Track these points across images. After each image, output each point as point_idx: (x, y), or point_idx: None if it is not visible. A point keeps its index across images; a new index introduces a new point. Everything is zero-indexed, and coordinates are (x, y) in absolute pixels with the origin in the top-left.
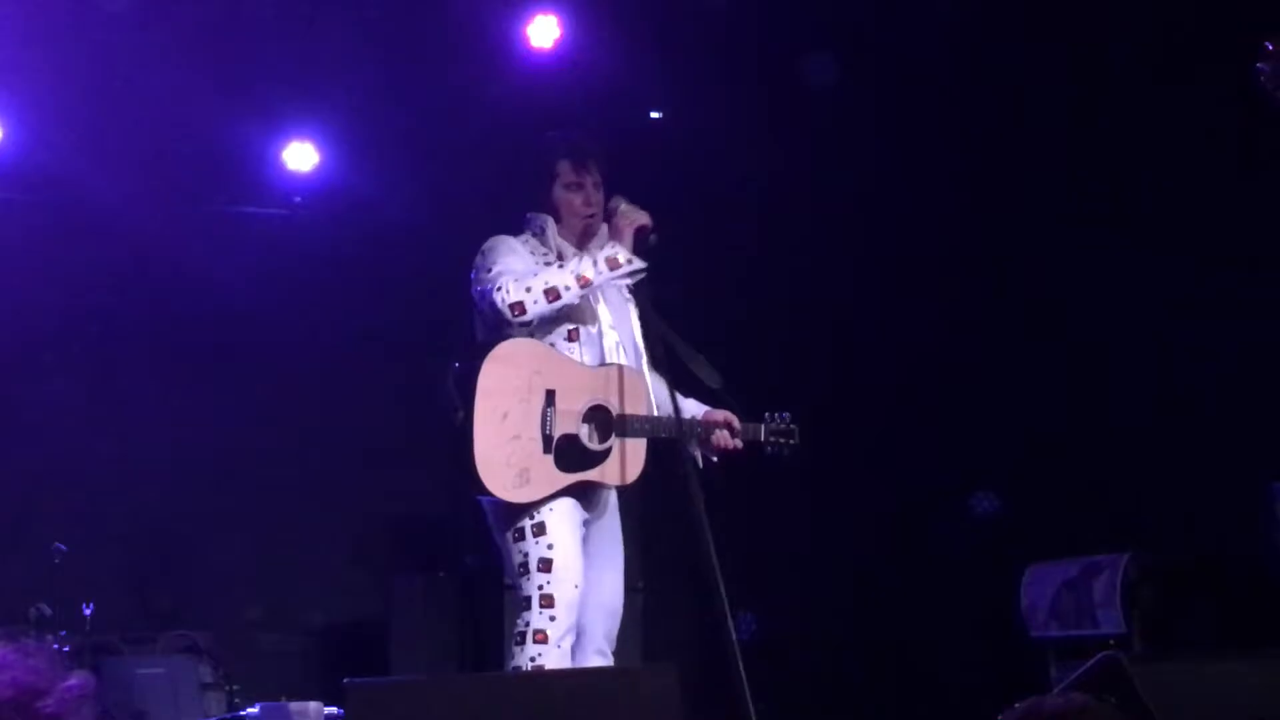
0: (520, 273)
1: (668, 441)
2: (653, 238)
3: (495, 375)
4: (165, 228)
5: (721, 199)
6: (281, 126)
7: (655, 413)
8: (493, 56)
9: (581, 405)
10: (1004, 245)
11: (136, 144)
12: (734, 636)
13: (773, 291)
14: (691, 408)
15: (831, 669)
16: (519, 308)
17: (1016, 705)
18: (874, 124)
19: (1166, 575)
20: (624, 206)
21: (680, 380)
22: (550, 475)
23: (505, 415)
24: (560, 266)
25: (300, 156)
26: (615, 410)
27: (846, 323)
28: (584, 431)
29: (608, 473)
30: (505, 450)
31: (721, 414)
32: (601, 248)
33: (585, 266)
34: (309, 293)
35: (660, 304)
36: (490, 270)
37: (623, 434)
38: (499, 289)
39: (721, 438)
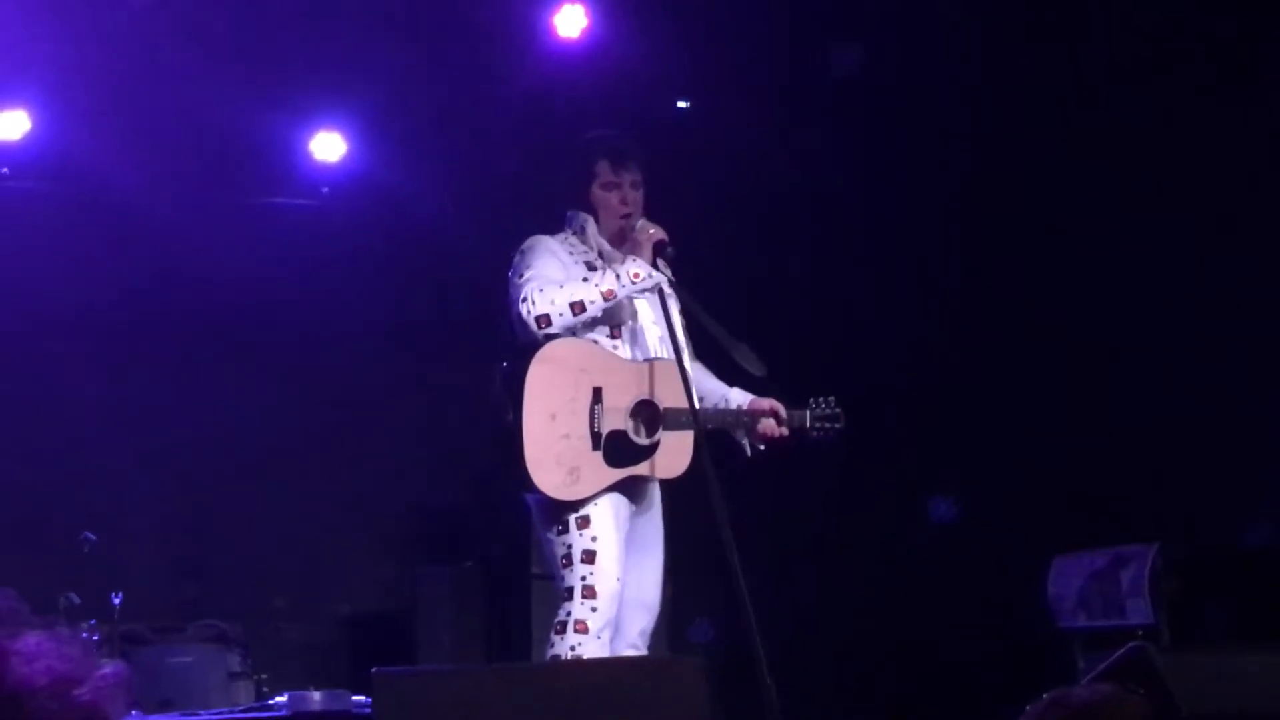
0: (550, 281)
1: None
2: (669, 251)
3: (542, 377)
4: (192, 218)
5: (748, 188)
6: (309, 116)
7: (699, 405)
8: (520, 46)
9: (628, 401)
10: (1037, 228)
11: (163, 134)
12: (755, 627)
13: (798, 281)
14: (737, 397)
15: (857, 659)
16: (544, 320)
17: (1044, 696)
18: (900, 113)
19: (1195, 566)
20: (641, 223)
21: (723, 370)
22: (600, 472)
23: (554, 416)
24: (586, 280)
25: (328, 146)
26: (661, 405)
27: (873, 308)
28: (631, 427)
29: (656, 466)
30: (555, 450)
31: (767, 402)
32: (623, 262)
33: (609, 281)
34: (337, 283)
35: (700, 294)
36: (523, 275)
37: (668, 428)
38: (525, 299)
39: (768, 426)
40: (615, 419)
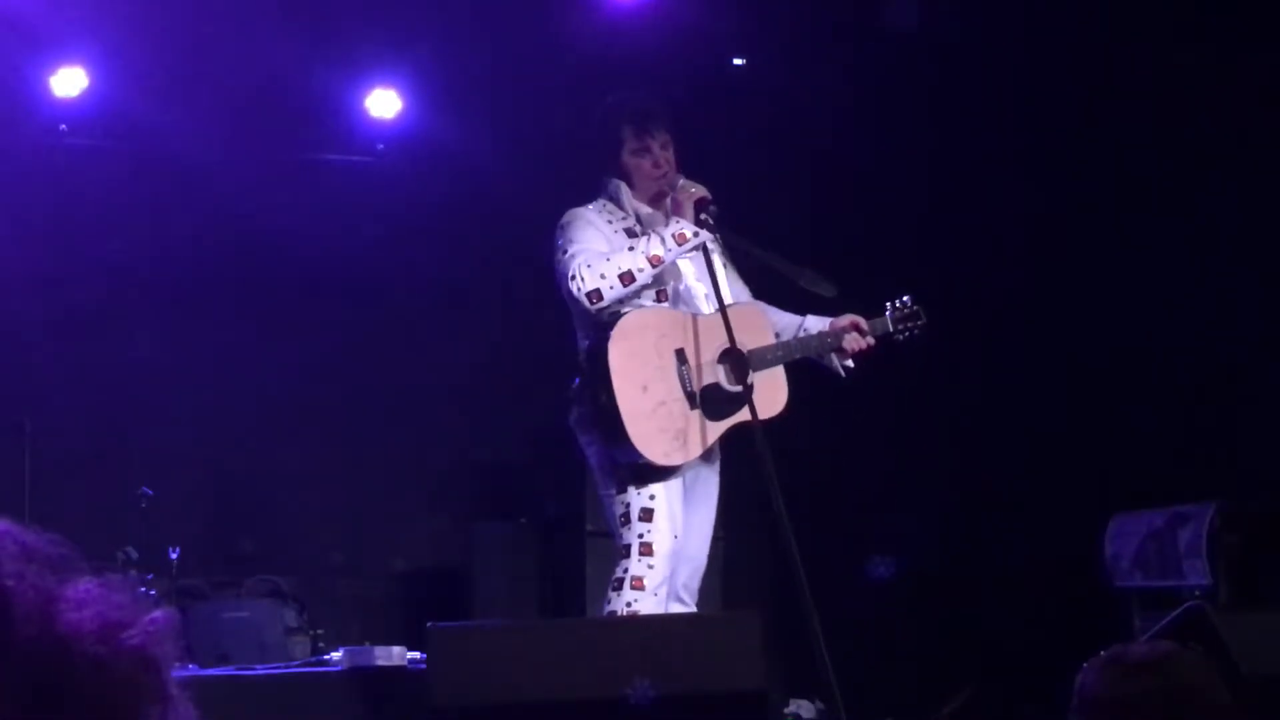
0: (595, 254)
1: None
2: (712, 208)
3: (623, 353)
4: (248, 175)
5: (802, 146)
6: (365, 73)
7: (778, 341)
8: (576, 3)
9: (712, 355)
10: (1101, 180)
11: (219, 91)
12: (806, 585)
13: (854, 241)
14: (814, 324)
15: (912, 617)
16: (596, 295)
17: (1101, 653)
18: (958, 70)
19: (1254, 525)
20: (681, 181)
21: (791, 301)
22: (704, 428)
23: (645, 388)
24: (631, 249)
25: (384, 103)
26: (745, 348)
27: (925, 273)
28: (722, 377)
29: (757, 409)
30: (656, 419)
31: (846, 318)
32: (666, 224)
33: (655, 245)
34: (392, 239)
35: (750, 231)
36: (567, 251)
37: (757, 368)
38: (573, 276)
39: (853, 341)
40: (705, 374)
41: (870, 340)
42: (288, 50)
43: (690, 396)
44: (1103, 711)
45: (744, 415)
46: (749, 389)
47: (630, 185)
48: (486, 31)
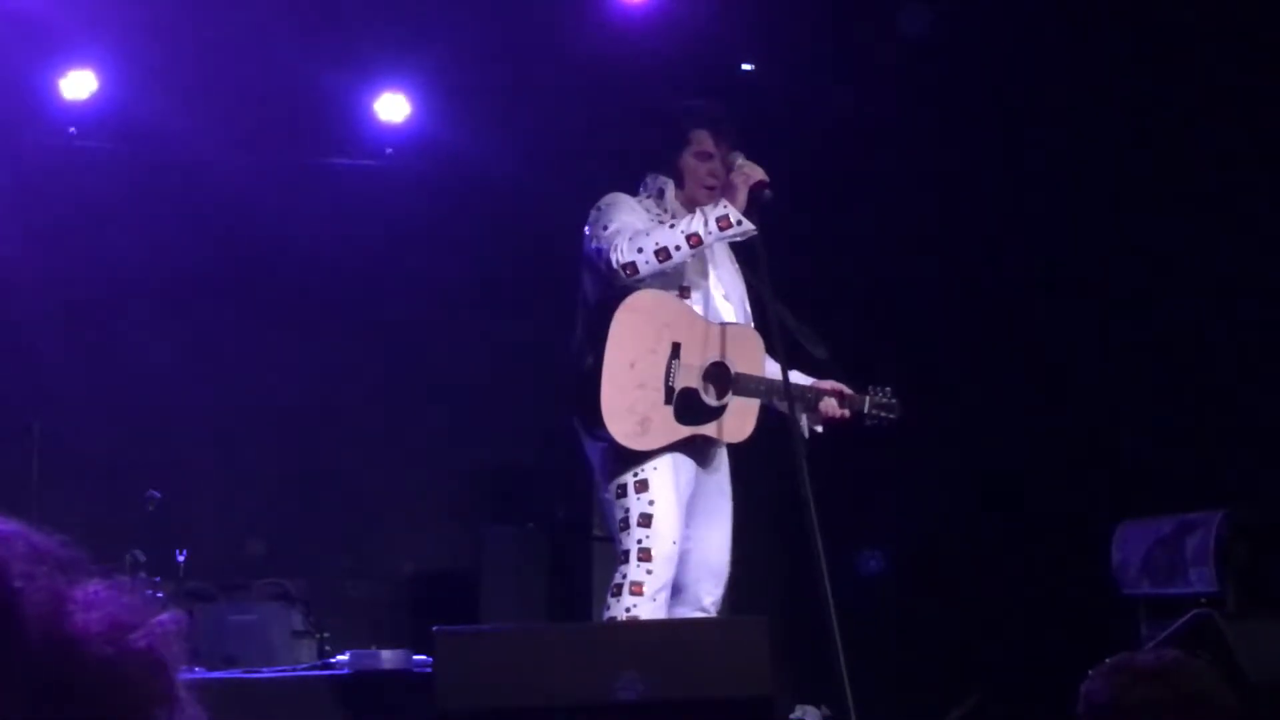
0: (636, 230)
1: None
2: (768, 194)
3: (628, 324)
4: (257, 178)
5: (811, 152)
6: (374, 77)
7: (767, 375)
8: (584, 7)
9: (703, 360)
10: (1111, 188)
11: (228, 95)
12: (829, 591)
13: (863, 248)
14: (797, 378)
15: (920, 625)
16: (631, 268)
17: (1108, 660)
18: (971, 80)
19: (1261, 533)
20: (741, 161)
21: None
22: (669, 426)
23: (633, 364)
24: (672, 226)
25: (392, 107)
26: (733, 368)
27: (933, 276)
28: (702, 386)
29: (723, 429)
30: (630, 397)
31: (830, 383)
32: (714, 206)
33: (696, 224)
34: (400, 243)
35: (769, 273)
36: (607, 228)
37: (738, 392)
38: (615, 249)
39: (830, 406)
40: (689, 376)
41: (846, 413)
42: (297, 54)
43: (669, 391)
44: (1110, 719)
45: (710, 430)
46: (722, 408)
47: (678, 185)
48: (495, 36)
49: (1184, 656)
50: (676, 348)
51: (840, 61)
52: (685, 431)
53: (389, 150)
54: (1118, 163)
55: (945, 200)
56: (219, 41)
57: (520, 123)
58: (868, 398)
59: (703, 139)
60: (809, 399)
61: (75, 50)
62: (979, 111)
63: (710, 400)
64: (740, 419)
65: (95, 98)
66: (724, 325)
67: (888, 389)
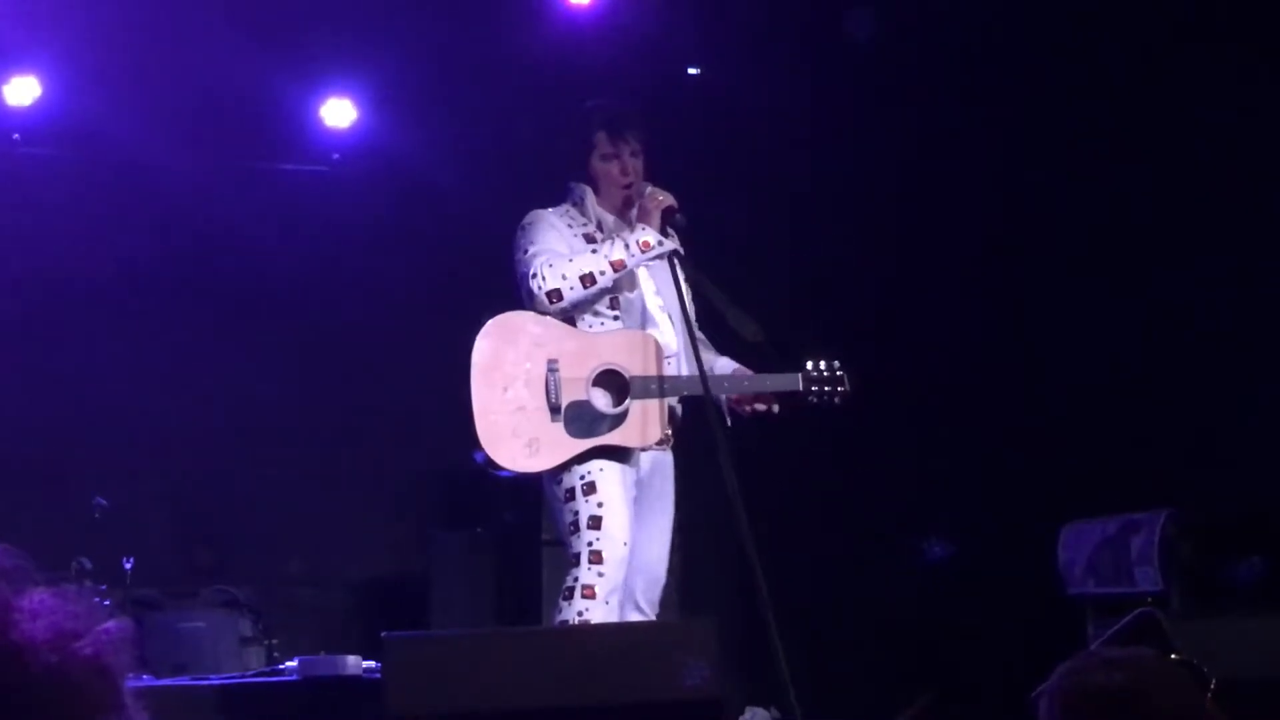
0: (557, 255)
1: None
2: (679, 217)
3: (488, 351)
4: (203, 184)
5: (758, 156)
6: (320, 82)
7: (680, 373)
8: (531, 13)
9: (588, 371)
10: (1060, 192)
11: (173, 100)
12: (766, 593)
13: (811, 251)
14: (722, 368)
15: (867, 628)
16: (555, 295)
17: (1062, 667)
18: (917, 82)
19: (1207, 533)
20: (649, 189)
21: (725, 339)
22: (561, 442)
23: (505, 389)
24: (594, 251)
25: (338, 113)
26: (628, 373)
27: (887, 284)
28: (596, 396)
29: (628, 435)
30: (511, 422)
31: (745, 373)
32: (632, 230)
33: (618, 250)
34: (347, 249)
35: (704, 261)
36: (527, 251)
37: (636, 396)
38: (534, 275)
39: (743, 399)
40: (574, 389)
41: (760, 406)
42: (243, 59)
43: (554, 408)
44: (1078, 708)
45: (615, 438)
46: (622, 415)
47: (596, 191)
48: (441, 41)
49: (1148, 652)
50: (553, 363)
51: (785, 65)
52: (582, 444)
53: (335, 155)
54: (1074, 167)
55: (894, 204)
56: (164, 47)
57: (467, 128)
58: (801, 375)
59: (601, 140)
60: (724, 386)
61: (18, 56)
62: (927, 114)
63: (606, 409)
64: (645, 423)
65: (39, 104)
66: (621, 332)
67: (834, 363)
